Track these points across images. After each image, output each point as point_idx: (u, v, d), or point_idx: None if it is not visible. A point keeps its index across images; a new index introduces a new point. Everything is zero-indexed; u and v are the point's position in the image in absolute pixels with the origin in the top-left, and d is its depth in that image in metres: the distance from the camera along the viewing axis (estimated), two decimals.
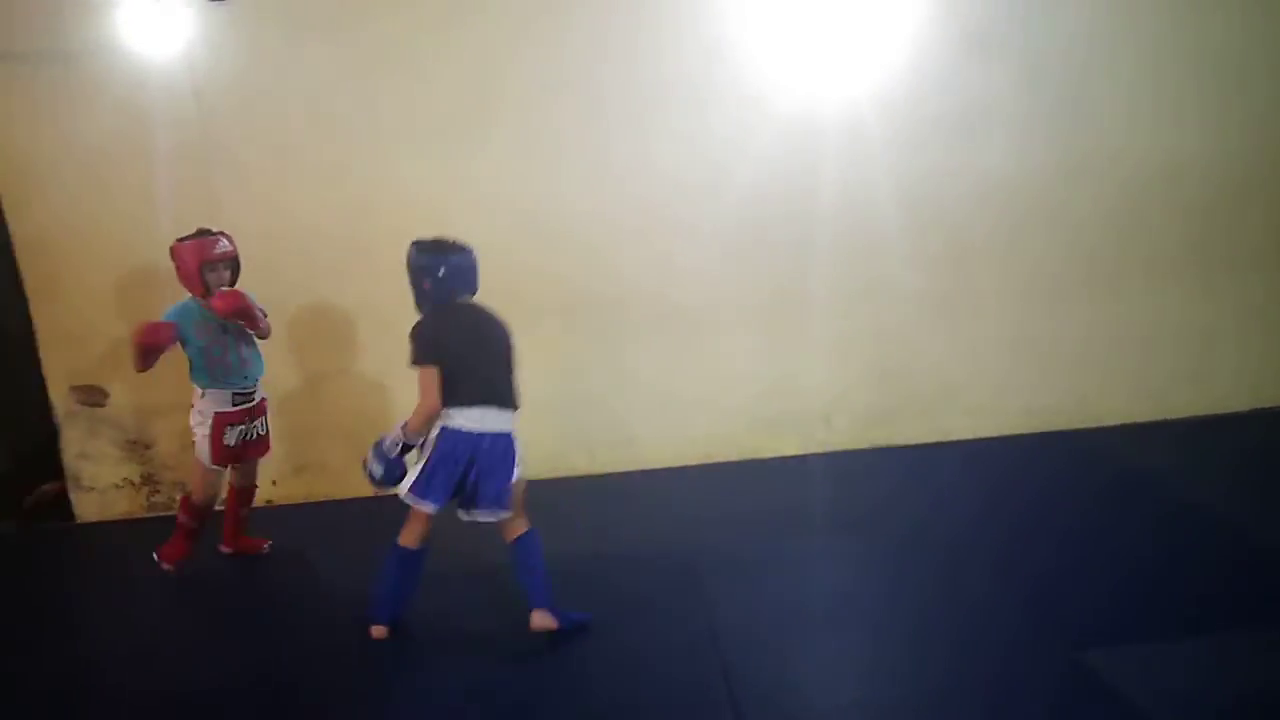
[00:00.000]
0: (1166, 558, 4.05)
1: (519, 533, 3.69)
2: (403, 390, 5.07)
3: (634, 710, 3.24)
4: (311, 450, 5.27)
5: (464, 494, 3.59)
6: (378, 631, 3.72)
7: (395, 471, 3.61)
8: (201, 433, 4.24)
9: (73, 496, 5.26)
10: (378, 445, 3.63)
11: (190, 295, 4.18)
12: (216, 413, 4.22)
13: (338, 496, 5.19)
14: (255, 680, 3.58)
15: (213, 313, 4.12)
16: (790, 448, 5.36)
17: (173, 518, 4.46)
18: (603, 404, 5.37)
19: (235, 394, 4.25)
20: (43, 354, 5.08)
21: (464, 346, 3.62)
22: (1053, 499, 4.70)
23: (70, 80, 4.74)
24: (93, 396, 5.12)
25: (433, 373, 3.54)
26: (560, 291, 5.16)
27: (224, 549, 4.62)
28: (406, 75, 4.91)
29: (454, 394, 3.56)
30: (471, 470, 3.55)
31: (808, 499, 4.83)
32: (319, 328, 5.12)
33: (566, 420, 5.29)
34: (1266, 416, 5.54)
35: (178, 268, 4.13)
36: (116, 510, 5.25)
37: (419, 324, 3.67)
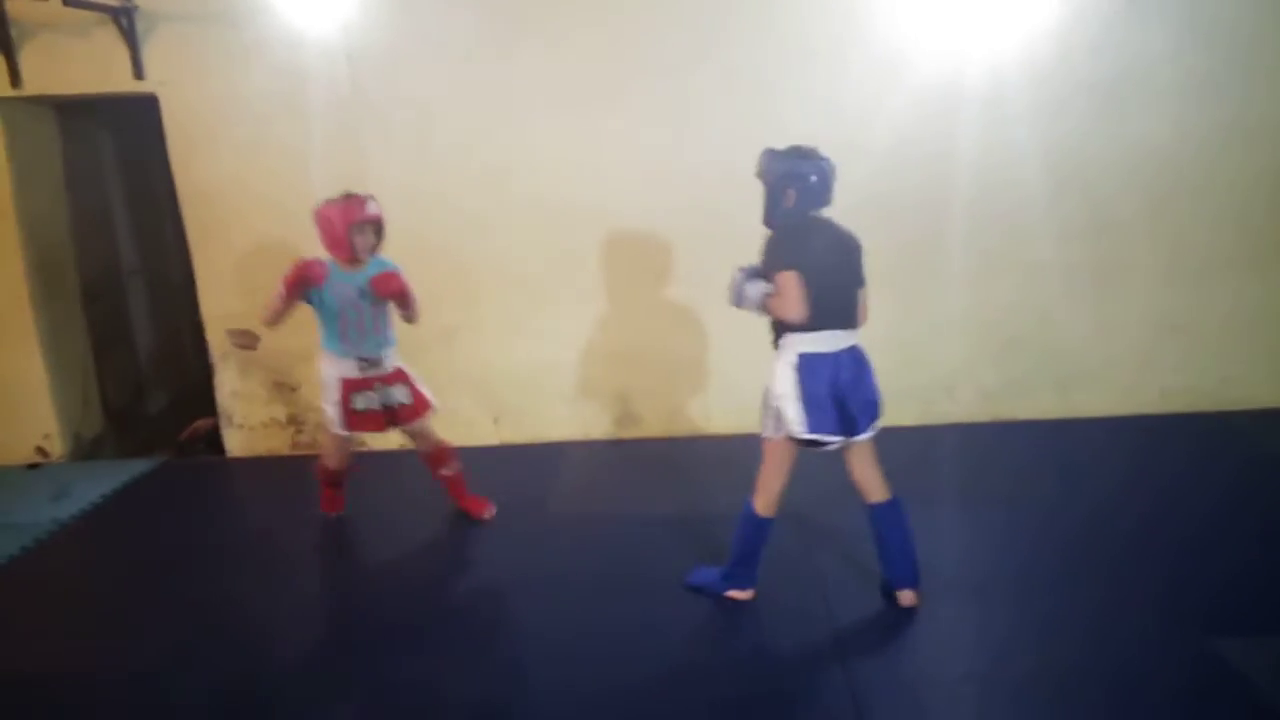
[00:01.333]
0: None
1: (878, 499, 3.54)
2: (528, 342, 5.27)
3: (755, 662, 3.34)
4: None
5: (843, 419, 3.38)
6: (742, 595, 3.67)
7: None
8: (330, 398, 4.22)
9: (225, 433, 5.64)
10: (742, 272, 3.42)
11: (332, 259, 4.10)
12: (342, 379, 4.18)
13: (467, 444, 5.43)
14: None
15: (357, 283, 4.07)
16: (909, 418, 5.30)
17: (315, 457, 4.74)
18: (729, 368, 5.41)
19: (361, 360, 4.18)
20: (201, 299, 5.45)
21: (828, 264, 3.35)
22: (1188, 482, 4.54)
23: (234, 41, 5.05)
24: (246, 340, 5.46)
25: (795, 278, 3.25)
26: (685, 259, 5.23)
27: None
28: (546, 44, 5.04)
29: (814, 315, 3.30)
30: (838, 392, 3.36)
31: (927, 470, 4.79)
32: (455, 282, 5.33)
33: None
34: None
35: (323, 231, 4.05)
36: (264, 447, 5.61)
37: (778, 235, 3.38)
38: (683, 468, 5.03)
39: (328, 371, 4.23)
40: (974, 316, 5.32)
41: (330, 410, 4.25)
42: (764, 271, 3.37)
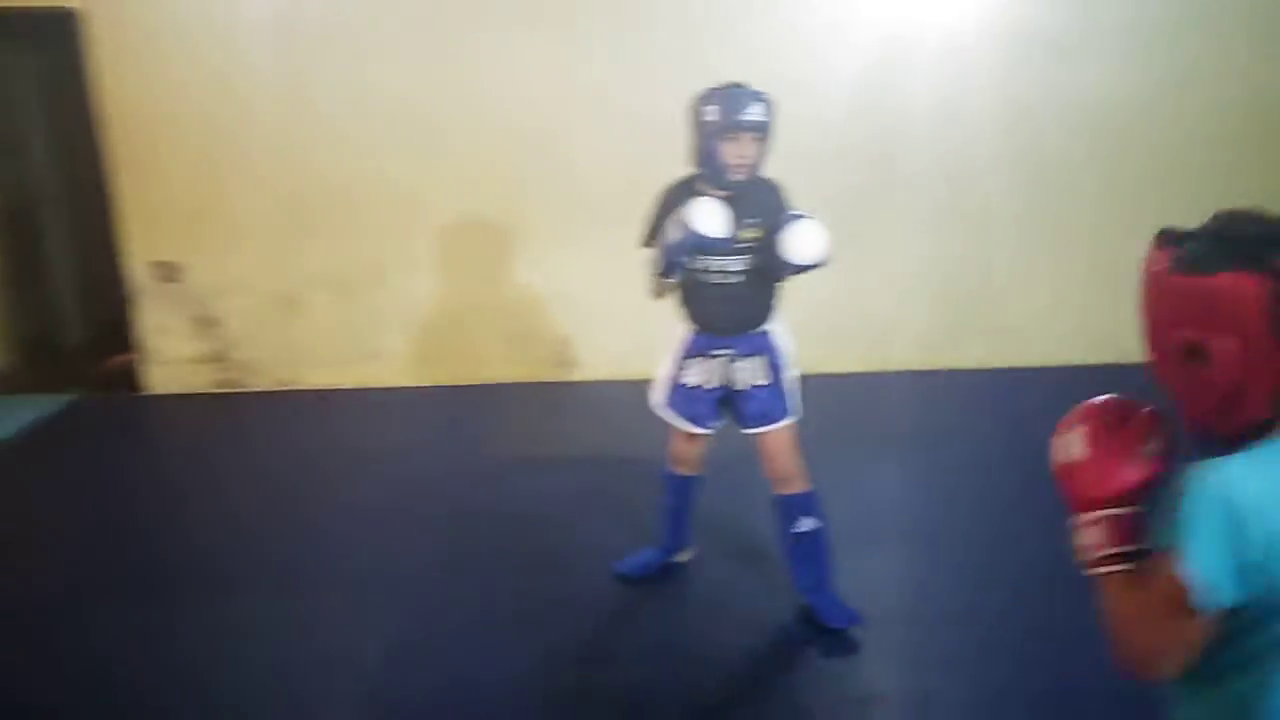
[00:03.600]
0: None
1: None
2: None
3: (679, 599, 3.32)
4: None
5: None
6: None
7: None
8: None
9: (144, 369, 5.46)
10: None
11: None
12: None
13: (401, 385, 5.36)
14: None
15: None
16: (852, 364, 5.30)
17: (239, 395, 4.57)
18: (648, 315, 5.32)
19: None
20: (123, 228, 5.23)
21: None
22: None
23: None
24: (168, 272, 5.27)
25: None
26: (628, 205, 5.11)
27: None
28: None
29: None
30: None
31: (866, 416, 4.83)
32: (391, 218, 5.22)
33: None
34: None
35: None
36: (185, 384, 5.44)
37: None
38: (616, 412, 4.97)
39: None
40: (920, 265, 5.33)
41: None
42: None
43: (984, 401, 5.06)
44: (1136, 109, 5.16)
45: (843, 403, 4.86)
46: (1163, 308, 1.33)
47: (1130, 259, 5.34)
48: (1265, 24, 5.13)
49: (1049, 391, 5.04)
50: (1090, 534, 1.33)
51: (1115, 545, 1.30)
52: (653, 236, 2.95)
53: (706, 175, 2.84)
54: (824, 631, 3.04)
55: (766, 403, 3.00)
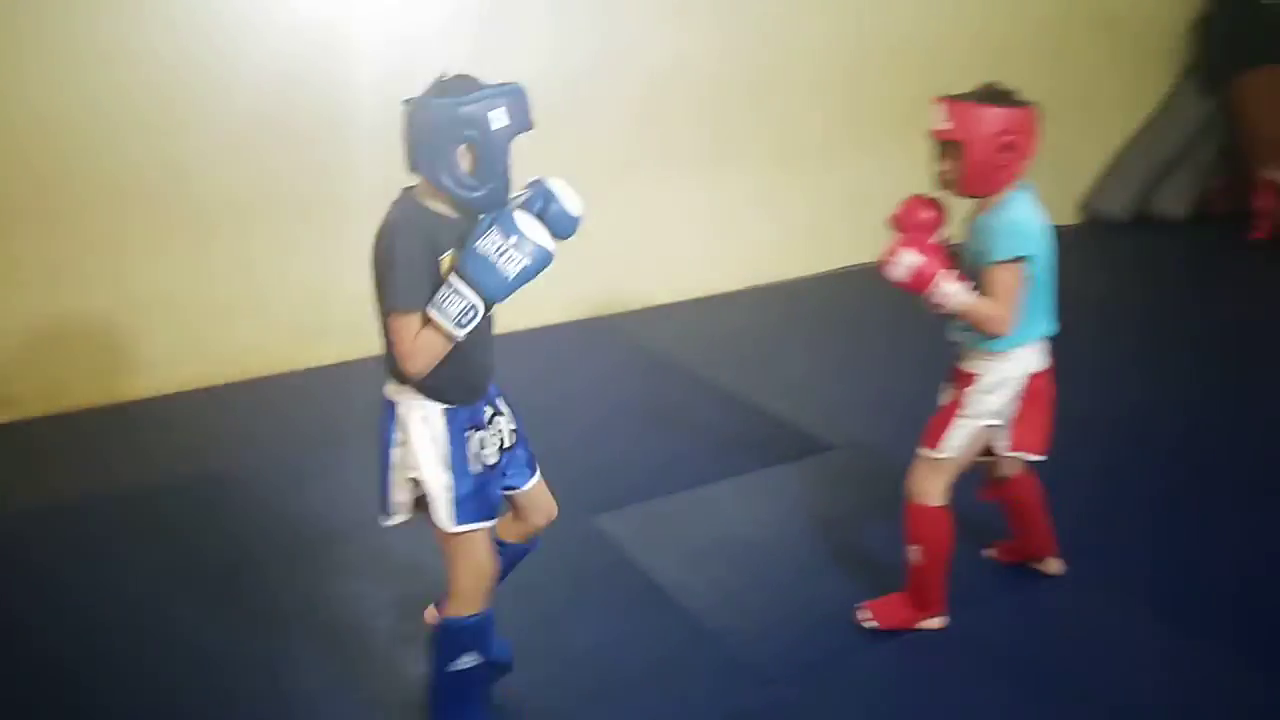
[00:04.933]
0: (673, 425, 4.49)
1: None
2: None
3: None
4: None
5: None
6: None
7: None
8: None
9: None
10: None
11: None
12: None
13: None
14: None
15: None
16: (330, 356, 5.14)
17: None
18: (109, 324, 4.85)
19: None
20: None
21: None
22: (586, 383, 5.01)
23: None
24: None
25: None
26: (42, 194, 4.53)
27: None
28: None
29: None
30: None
31: (352, 405, 4.59)
32: None
33: (64, 345, 4.74)
34: (762, 291, 6.31)
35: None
36: None
37: (395, 233, 2.27)
38: None
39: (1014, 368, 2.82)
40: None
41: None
42: None
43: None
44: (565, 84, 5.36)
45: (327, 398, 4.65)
46: (985, 125, 2.58)
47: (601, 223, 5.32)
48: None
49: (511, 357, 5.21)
50: (942, 295, 2.65)
51: (961, 288, 2.65)
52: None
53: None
54: None
55: (525, 445, 2.63)
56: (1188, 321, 5.65)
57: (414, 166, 2.23)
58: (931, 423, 2.86)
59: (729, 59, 5.96)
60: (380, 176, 4.90)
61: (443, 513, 2.33)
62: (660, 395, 4.87)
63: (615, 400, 4.80)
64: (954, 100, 2.61)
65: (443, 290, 2.17)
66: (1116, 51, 7.50)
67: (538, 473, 2.64)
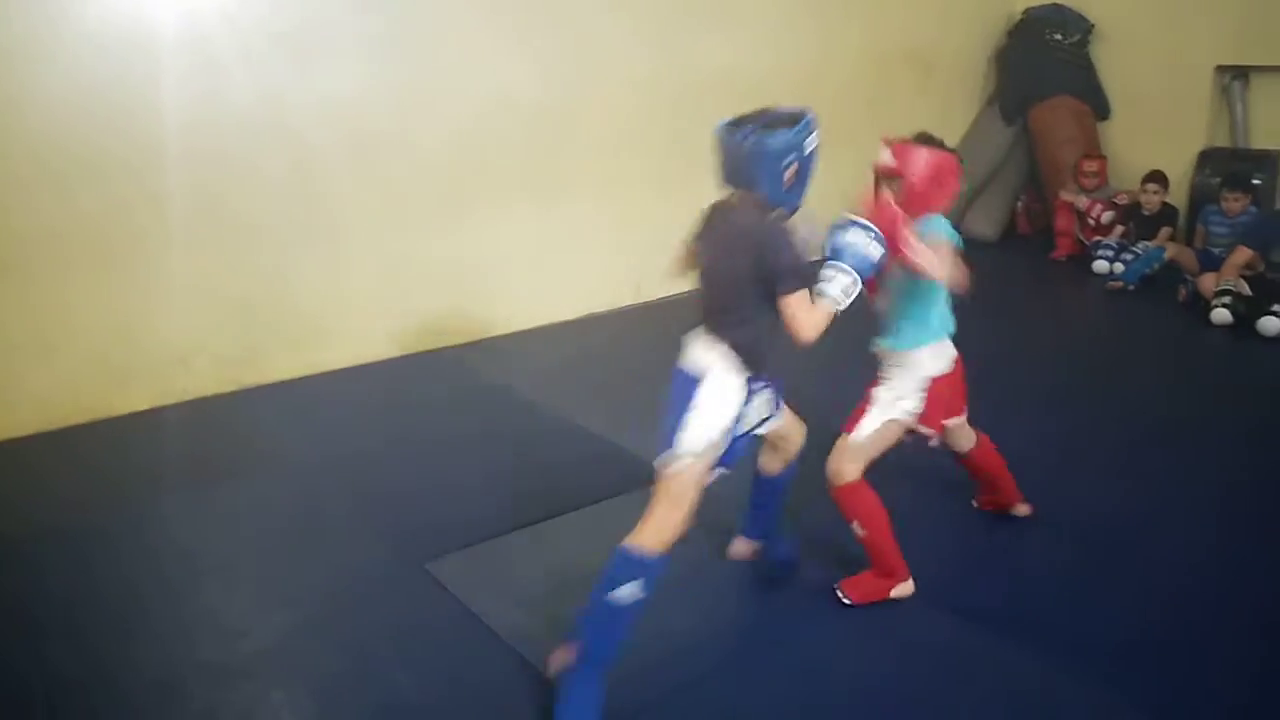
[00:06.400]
0: (512, 459, 4.39)
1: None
2: None
3: None
4: None
5: None
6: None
7: None
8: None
9: None
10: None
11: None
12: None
13: None
14: None
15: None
16: (143, 401, 4.89)
17: None
18: None
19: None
20: None
21: None
22: (419, 419, 4.87)
23: None
24: None
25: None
26: None
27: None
28: None
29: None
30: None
31: (165, 454, 4.52)
32: None
33: None
34: (599, 320, 6.29)
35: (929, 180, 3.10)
36: None
37: (785, 234, 2.71)
38: None
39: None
40: (200, 281, 4.97)
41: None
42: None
43: (293, 413, 4.96)
44: (386, 112, 5.39)
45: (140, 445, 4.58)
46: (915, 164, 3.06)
47: (403, 253, 5.53)
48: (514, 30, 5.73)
49: (354, 391, 5.15)
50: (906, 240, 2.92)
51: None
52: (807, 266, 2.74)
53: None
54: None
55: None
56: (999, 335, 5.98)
57: (740, 183, 2.76)
58: (852, 414, 3.23)
59: (553, 90, 5.96)
60: (189, 207, 4.85)
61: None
62: (497, 429, 4.74)
63: (448, 436, 4.64)
64: (898, 141, 3.10)
65: (825, 273, 2.77)
66: (926, 84, 7.94)
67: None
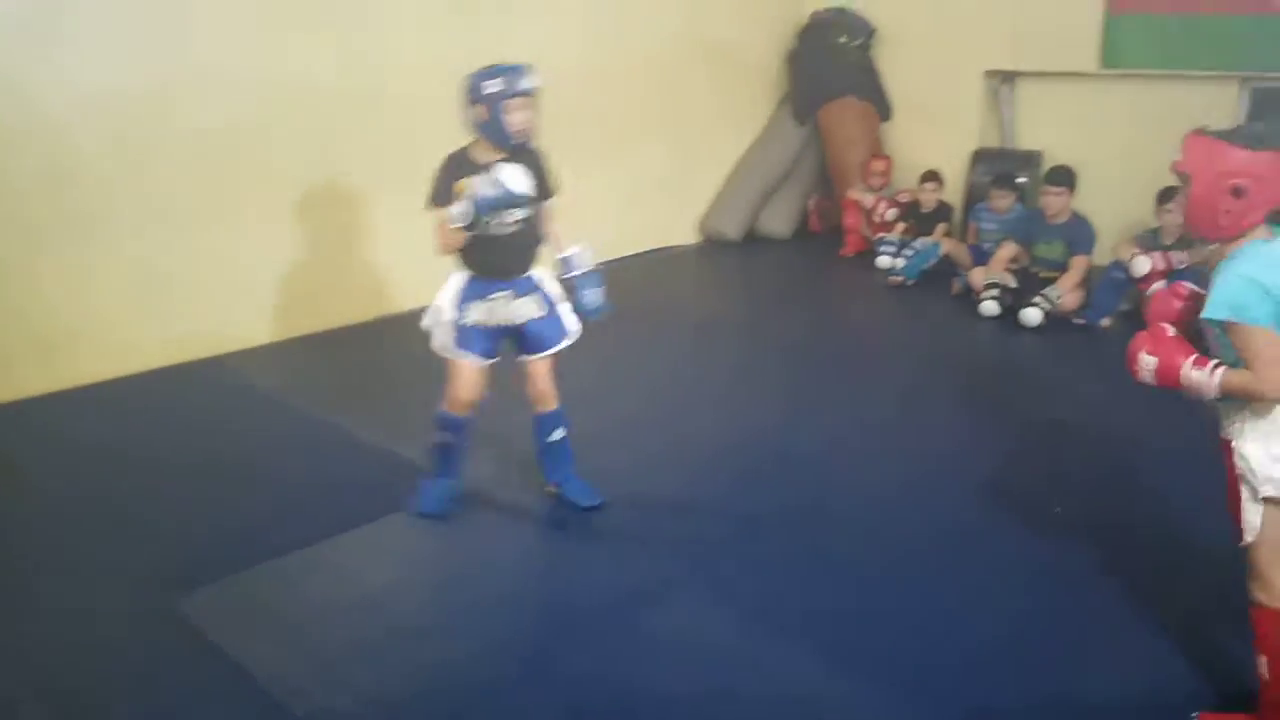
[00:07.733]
0: (282, 474, 4.15)
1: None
2: None
3: None
4: None
5: None
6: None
7: None
8: None
9: None
10: None
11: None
12: None
13: None
14: None
15: None
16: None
17: None
18: None
19: None
20: None
21: None
22: (180, 434, 4.55)
23: None
24: None
25: None
26: None
27: None
28: None
29: None
30: None
31: None
32: None
33: None
34: (375, 326, 6.02)
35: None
36: None
37: (445, 161, 3.54)
38: None
39: None
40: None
41: None
42: None
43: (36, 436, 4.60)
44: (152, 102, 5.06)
45: None
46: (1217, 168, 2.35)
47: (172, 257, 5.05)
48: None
49: (102, 409, 4.75)
50: (1193, 384, 2.41)
51: (1206, 370, 2.38)
52: (439, 198, 3.43)
53: (495, 141, 3.41)
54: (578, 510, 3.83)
55: (547, 330, 3.65)
56: (789, 328, 6.16)
57: None
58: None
59: (347, 75, 5.65)
60: None
61: None
62: (266, 441, 4.46)
63: (212, 451, 4.31)
64: (1194, 134, 2.42)
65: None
66: (721, 81, 8.05)
67: (542, 352, 3.73)
